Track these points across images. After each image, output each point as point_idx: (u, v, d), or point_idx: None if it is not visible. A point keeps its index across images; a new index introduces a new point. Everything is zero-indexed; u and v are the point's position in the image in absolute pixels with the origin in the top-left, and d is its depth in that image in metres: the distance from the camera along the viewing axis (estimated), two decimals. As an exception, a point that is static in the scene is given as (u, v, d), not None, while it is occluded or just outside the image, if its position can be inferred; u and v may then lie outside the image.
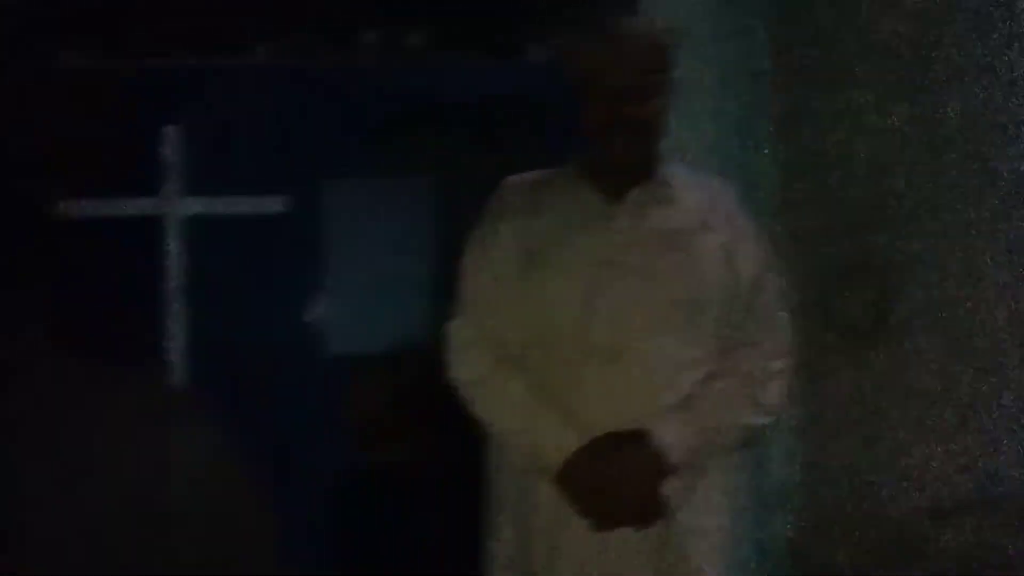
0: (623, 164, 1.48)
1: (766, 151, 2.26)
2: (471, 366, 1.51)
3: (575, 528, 1.42)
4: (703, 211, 1.52)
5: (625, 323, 1.43)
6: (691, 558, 1.43)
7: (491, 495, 1.56)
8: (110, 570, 1.97)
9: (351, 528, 2.71)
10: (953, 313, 2.14)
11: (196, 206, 2.50)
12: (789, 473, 2.24)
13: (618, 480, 1.38)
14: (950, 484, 2.12)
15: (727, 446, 1.49)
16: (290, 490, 2.46)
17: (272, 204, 2.56)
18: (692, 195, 1.53)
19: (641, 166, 1.50)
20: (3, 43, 2.29)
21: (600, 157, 1.49)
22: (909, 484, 2.12)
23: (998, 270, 2.11)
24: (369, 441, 4.33)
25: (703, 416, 1.43)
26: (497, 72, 2.64)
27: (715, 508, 1.48)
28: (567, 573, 1.43)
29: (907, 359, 2.18)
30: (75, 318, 2.28)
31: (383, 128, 2.55)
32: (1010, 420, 2.08)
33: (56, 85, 2.41)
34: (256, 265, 2.58)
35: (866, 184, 2.21)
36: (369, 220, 2.69)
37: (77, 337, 2.24)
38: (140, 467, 2.11)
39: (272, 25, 2.55)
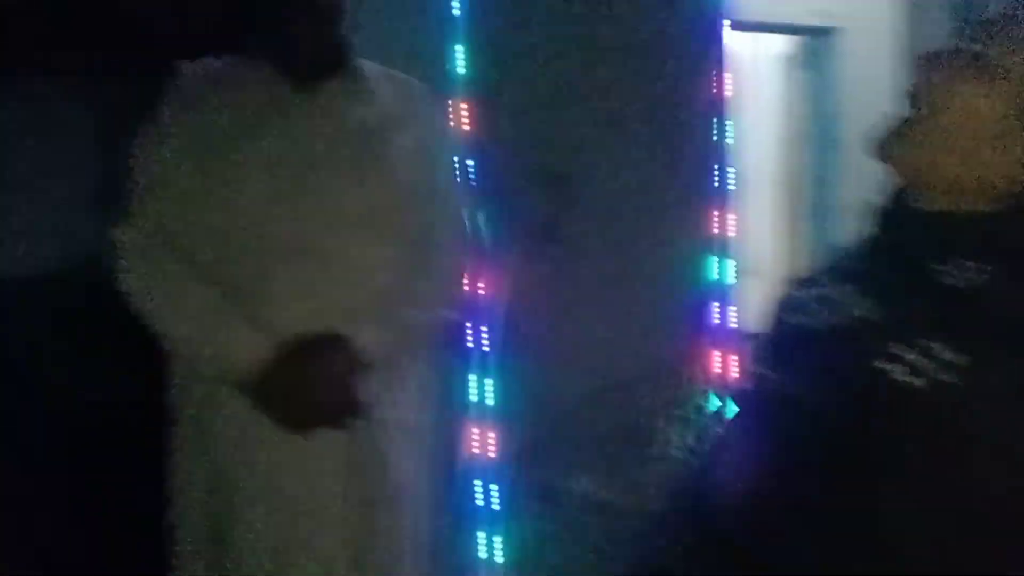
0: (307, 50, 1.40)
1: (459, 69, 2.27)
2: (144, 273, 1.39)
3: (266, 434, 1.37)
4: (397, 109, 1.48)
5: (315, 222, 1.38)
6: (386, 453, 1.43)
7: (174, 411, 1.46)
8: None
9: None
10: (614, 218, 2.38)
11: None
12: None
13: (313, 385, 1.35)
14: (615, 363, 2.36)
15: (423, 343, 1.51)
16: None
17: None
18: (386, 92, 1.48)
19: (329, 55, 1.42)
20: None
21: (283, 42, 1.40)
22: (581, 363, 2.31)
23: (649, 183, 2.41)
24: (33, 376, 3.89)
25: (398, 315, 1.42)
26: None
27: (411, 403, 1.49)
28: (256, 481, 1.38)
29: (579, 255, 2.38)
30: None
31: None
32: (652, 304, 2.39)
33: None
34: None
35: (547, 108, 2.34)
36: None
37: None
38: None
39: None
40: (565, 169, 2.36)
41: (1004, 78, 0.82)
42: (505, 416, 2.22)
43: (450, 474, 2.40)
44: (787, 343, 0.91)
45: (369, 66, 1.49)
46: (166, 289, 1.38)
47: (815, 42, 4.00)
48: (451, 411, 2.20)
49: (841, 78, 3.86)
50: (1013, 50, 0.83)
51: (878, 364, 0.75)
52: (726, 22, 2.53)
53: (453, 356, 2.16)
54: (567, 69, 2.36)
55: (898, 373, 0.74)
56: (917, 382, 0.73)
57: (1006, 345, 0.73)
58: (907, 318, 0.78)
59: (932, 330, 0.75)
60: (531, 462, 2.23)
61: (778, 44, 4.11)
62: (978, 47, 0.85)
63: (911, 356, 0.74)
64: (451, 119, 1.61)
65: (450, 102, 1.98)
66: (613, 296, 2.40)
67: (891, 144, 0.89)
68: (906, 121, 0.88)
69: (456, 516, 2.37)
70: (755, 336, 1.03)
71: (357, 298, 1.40)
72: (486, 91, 2.15)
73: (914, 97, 0.88)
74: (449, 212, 1.53)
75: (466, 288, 1.58)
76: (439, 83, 1.81)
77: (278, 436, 1.37)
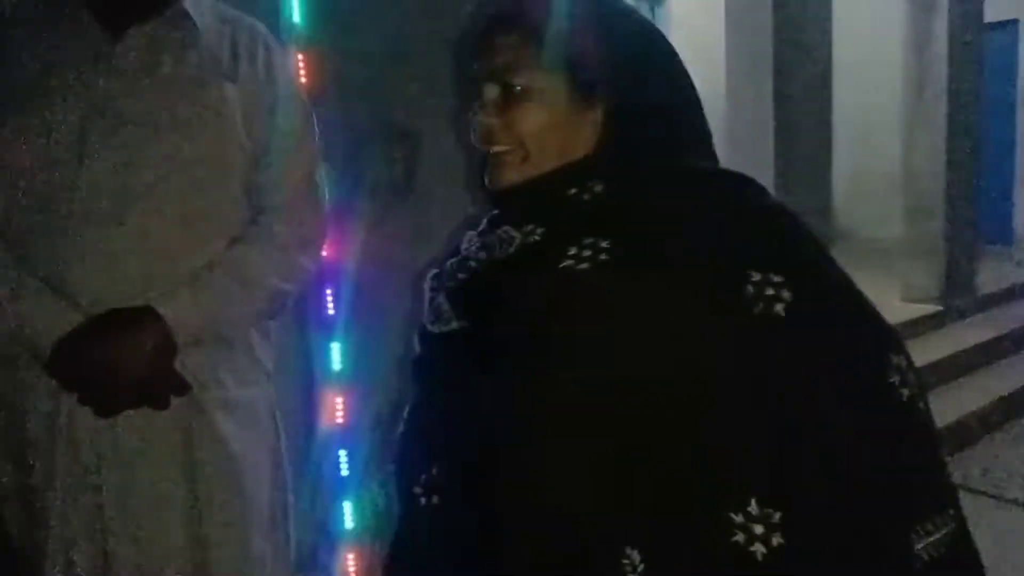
0: None
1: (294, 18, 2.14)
2: None
3: (79, 417, 1.24)
4: (228, 55, 1.33)
5: (122, 183, 1.23)
6: (221, 432, 1.32)
7: None
8: None
9: None
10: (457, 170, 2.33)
11: None
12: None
13: (117, 362, 1.21)
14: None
15: (253, 315, 1.38)
16: None
17: None
18: (217, 36, 1.33)
19: None
20: None
21: None
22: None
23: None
24: None
25: (221, 286, 1.29)
26: None
27: (244, 378, 1.37)
28: (72, 468, 1.25)
29: (429, 210, 2.31)
30: None
31: None
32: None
33: None
34: None
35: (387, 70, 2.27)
36: None
37: None
38: None
39: None
40: (412, 125, 2.29)
41: None
42: (353, 382, 2.15)
43: (299, 447, 2.31)
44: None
45: (199, 2, 1.34)
46: None
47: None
48: (296, 382, 2.12)
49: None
50: None
51: (561, 265, 0.90)
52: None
53: (296, 324, 2.06)
54: (408, 21, 2.28)
55: (573, 264, 0.89)
56: (586, 267, 0.89)
57: (638, 234, 0.91)
58: (568, 226, 0.93)
59: (587, 229, 0.91)
60: (383, 428, 2.18)
61: None
62: None
63: (578, 251, 0.90)
64: (295, 66, 1.47)
65: (290, 51, 1.86)
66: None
67: None
68: None
69: (310, 488, 2.29)
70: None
71: (172, 270, 1.26)
72: (326, 42, 2.04)
73: None
74: (293, 174, 1.39)
75: (313, 259, 1.45)
76: (275, 30, 1.68)
77: (94, 419, 1.24)
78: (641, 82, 0.97)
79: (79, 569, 1.26)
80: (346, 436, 2.22)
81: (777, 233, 0.95)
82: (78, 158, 1.22)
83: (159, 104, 1.26)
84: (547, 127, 0.96)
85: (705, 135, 1.02)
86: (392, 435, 1.07)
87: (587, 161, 0.97)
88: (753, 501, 0.84)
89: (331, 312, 2.16)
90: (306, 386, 2.18)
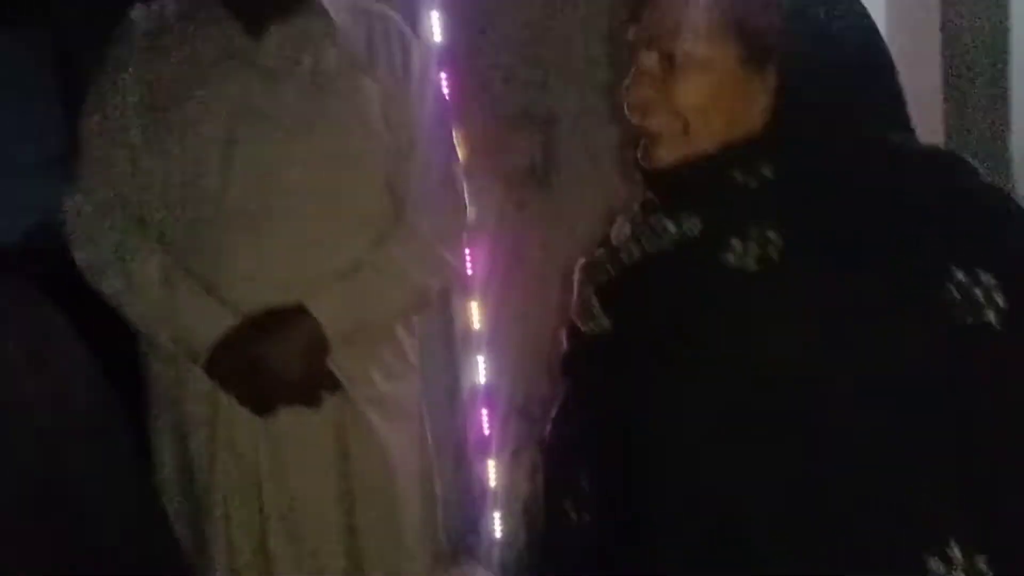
0: None
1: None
2: (96, 247, 1.27)
3: (236, 415, 1.27)
4: (365, 50, 1.33)
5: (269, 182, 1.24)
6: (372, 428, 1.33)
7: (147, 388, 1.36)
8: None
9: None
10: (596, 156, 2.25)
11: None
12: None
13: (271, 360, 1.23)
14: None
15: (400, 312, 1.38)
16: None
17: None
18: (354, 30, 1.33)
19: None
20: None
21: None
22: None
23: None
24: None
25: (370, 283, 1.30)
26: None
27: (392, 373, 1.37)
28: (232, 466, 1.28)
29: (565, 201, 2.26)
30: None
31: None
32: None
33: None
34: None
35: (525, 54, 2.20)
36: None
37: None
38: None
39: None
40: (551, 110, 2.23)
41: None
42: (497, 393, 2.14)
43: (447, 448, 2.34)
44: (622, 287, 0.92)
45: None
46: (122, 263, 1.26)
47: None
48: (442, 386, 2.13)
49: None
50: None
51: (721, 259, 0.81)
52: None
53: (440, 327, 2.06)
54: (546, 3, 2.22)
55: (737, 260, 0.81)
56: (753, 263, 0.80)
57: (813, 225, 0.81)
58: (730, 216, 0.84)
59: (753, 219, 0.82)
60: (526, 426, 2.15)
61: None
62: None
63: (742, 244, 0.81)
64: (430, 57, 1.45)
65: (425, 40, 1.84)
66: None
67: None
68: None
69: (457, 491, 2.31)
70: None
71: (320, 267, 1.28)
72: (461, 29, 2.02)
73: None
74: (432, 167, 1.37)
75: (455, 253, 1.43)
76: (409, 18, 1.67)
77: (250, 417, 1.27)
78: (822, 44, 0.85)
79: (241, 567, 1.29)
80: (491, 446, 2.22)
81: (989, 222, 0.80)
82: (226, 160, 1.24)
83: (301, 101, 1.27)
84: (713, 99, 0.85)
85: (899, 103, 0.88)
86: (539, 441, 1.02)
87: (755, 140, 0.86)
88: (952, 541, 0.74)
89: (476, 323, 2.14)
90: (451, 395, 2.18)
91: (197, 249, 1.27)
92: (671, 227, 0.87)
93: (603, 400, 0.90)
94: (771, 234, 0.80)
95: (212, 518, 1.29)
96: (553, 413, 0.98)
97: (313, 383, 1.27)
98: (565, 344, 0.98)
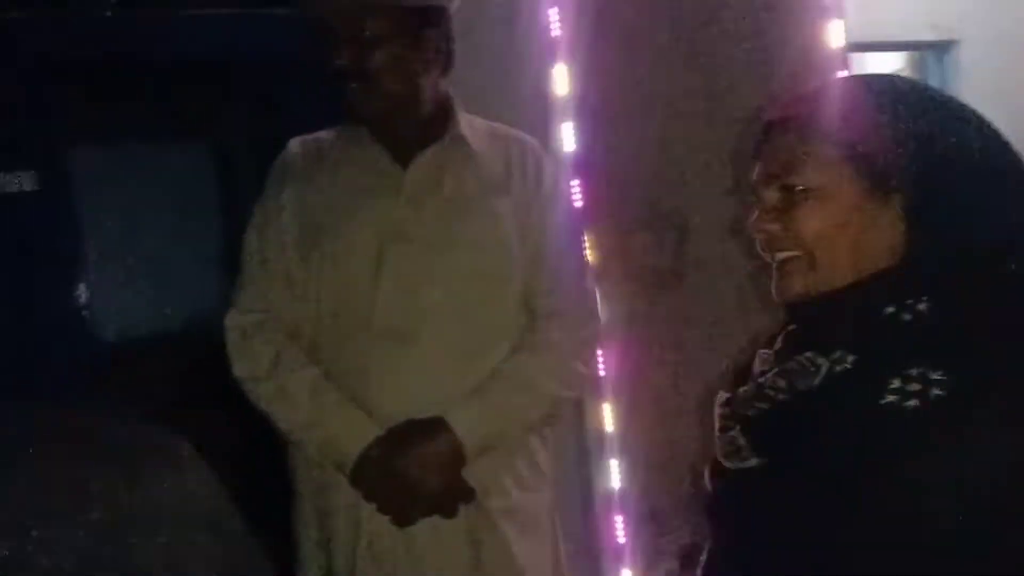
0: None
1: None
2: (252, 360, 1.36)
3: (378, 524, 1.31)
4: (501, 171, 1.40)
5: (414, 301, 1.32)
6: (506, 541, 1.35)
7: (293, 492, 1.42)
8: None
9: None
10: (727, 257, 2.24)
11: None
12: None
13: (411, 472, 1.28)
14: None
15: (534, 423, 1.40)
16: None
17: (20, 181, 2.22)
18: (490, 153, 1.41)
19: (429, 122, 1.36)
20: None
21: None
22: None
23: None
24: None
25: (506, 396, 1.34)
26: (248, 25, 2.35)
27: (525, 484, 1.39)
28: (373, 573, 1.32)
29: (699, 296, 2.24)
30: None
31: (134, 88, 2.25)
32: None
33: None
34: (9, 249, 2.22)
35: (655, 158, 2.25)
36: (137, 191, 2.40)
37: None
38: None
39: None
40: (684, 215, 2.24)
41: None
42: (631, 499, 2.10)
43: (579, 557, 2.30)
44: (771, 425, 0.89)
45: (473, 124, 1.42)
46: (275, 379, 1.34)
47: (932, 56, 3.79)
48: (575, 493, 2.11)
49: (960, 90, 3.65)
50: None
51: (882, 401, 0.78)
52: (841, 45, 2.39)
53: (574, 436, 2.06)
54: (676, 108, 2.25)
55: (899, 401, 0.78)
56: (915, 404, 0.77)
57: (978, 359, 0.78)
58: (886, 353, 0.81)
59: (912, 357, 0.79)
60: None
61: (892, 62, 3.91)
62: None
63: (902, 384, 0.79)
64: (562, 171, 1.51)
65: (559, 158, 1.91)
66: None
67: None
68: None
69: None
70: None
71: (462, 381, 1.33)
72: (594, 138, 2.07)
73: None
74: (564, 278, 1.42)
75: (588, 363, 1.46)
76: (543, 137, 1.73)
77: (389, 527, 1.31)
78: (946, 167, 0.83)
79: None
80: (626, 555, 2.17)
81: None
82: (375, 280, 1.32)
83: (443, 224, 1.35)
84: (834, 228, 0.85)
85: None
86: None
87: (899, 271, 0.84)
88: None
89: (608, 427, 2.12)
90: (585, 502, 2.16)
91: (345, 363, 1.34)
92: (822, 363, 0.85)
93: (756, 541, 0.87)
94: (933, 374, 0.78)
95: None
96: (702, 557, 0.96)
97: (450, 494, 1.30)
98: (708, 483, 0.96)
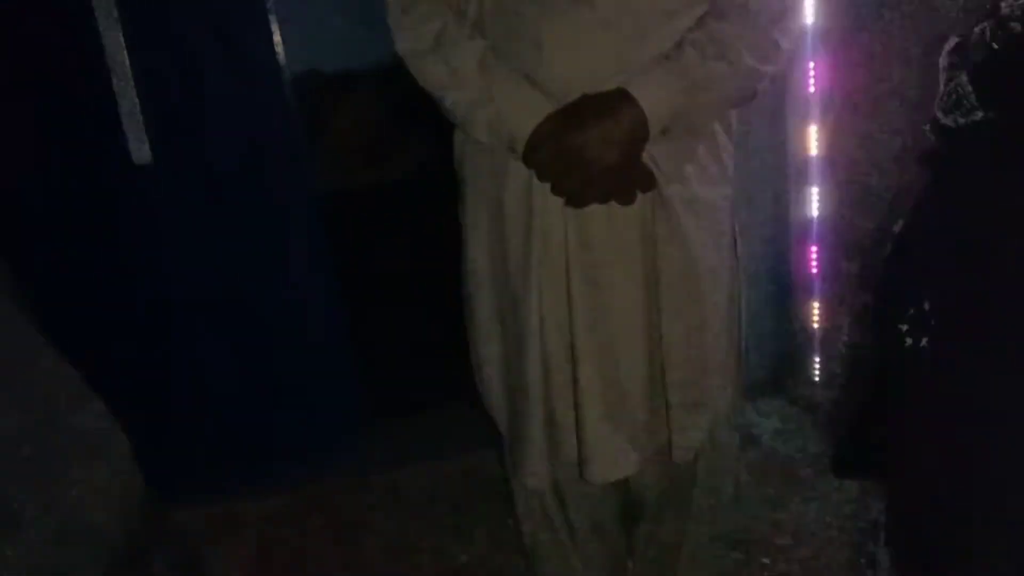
0: None
1: None
2: (416, 32, 1.27)
3: (551, 207, 1.24)
4: None
5: None
6: (683, 232, 1.25)
7: (461, 180, 1.38)
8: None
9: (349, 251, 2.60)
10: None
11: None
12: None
13: (590, 148, 1.17)
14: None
15: (726, 99, 1.26)
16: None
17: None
18: None
19: None
20: None
21: None
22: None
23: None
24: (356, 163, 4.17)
25: (693, 67, 1.18)
26: None
27: (706, 176, 1.28)
28: (546, 260, 1.27)
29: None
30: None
31: None
32: None
33: None
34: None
35: None
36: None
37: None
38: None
39: None
40: None
41: None
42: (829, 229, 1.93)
43: (763, 282, 2.19)
44: None
45: None
46: (442, 50, 1.25)
47: None
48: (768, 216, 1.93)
49: None
50: None
51: None
52: None
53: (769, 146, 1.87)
54: None
55: None
56: None
57: None
58: None
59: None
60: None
61: None
62: None
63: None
64: None
65: None
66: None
67: None
68: None
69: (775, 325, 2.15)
70: None
71: (643, 50, 1.19)
72: None
73: None
74: None
75: (788, 37, 1.26)
76: None
77: (563, 210, 1.23)
78: None
79: (551, 354, 1.31)
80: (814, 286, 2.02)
81: None
82: None
83: None
84: None
85: None
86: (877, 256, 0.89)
87: None
88: None
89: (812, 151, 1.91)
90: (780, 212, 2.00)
91: (514, 39, 1.23)
92: None
93: (973, 198, 0.76)
94: None
95: (528, 305, 1.29)
96: (898, 225, 0.84)
97: (628, 175, 1.21)
98: (924, 142, 0.84)
